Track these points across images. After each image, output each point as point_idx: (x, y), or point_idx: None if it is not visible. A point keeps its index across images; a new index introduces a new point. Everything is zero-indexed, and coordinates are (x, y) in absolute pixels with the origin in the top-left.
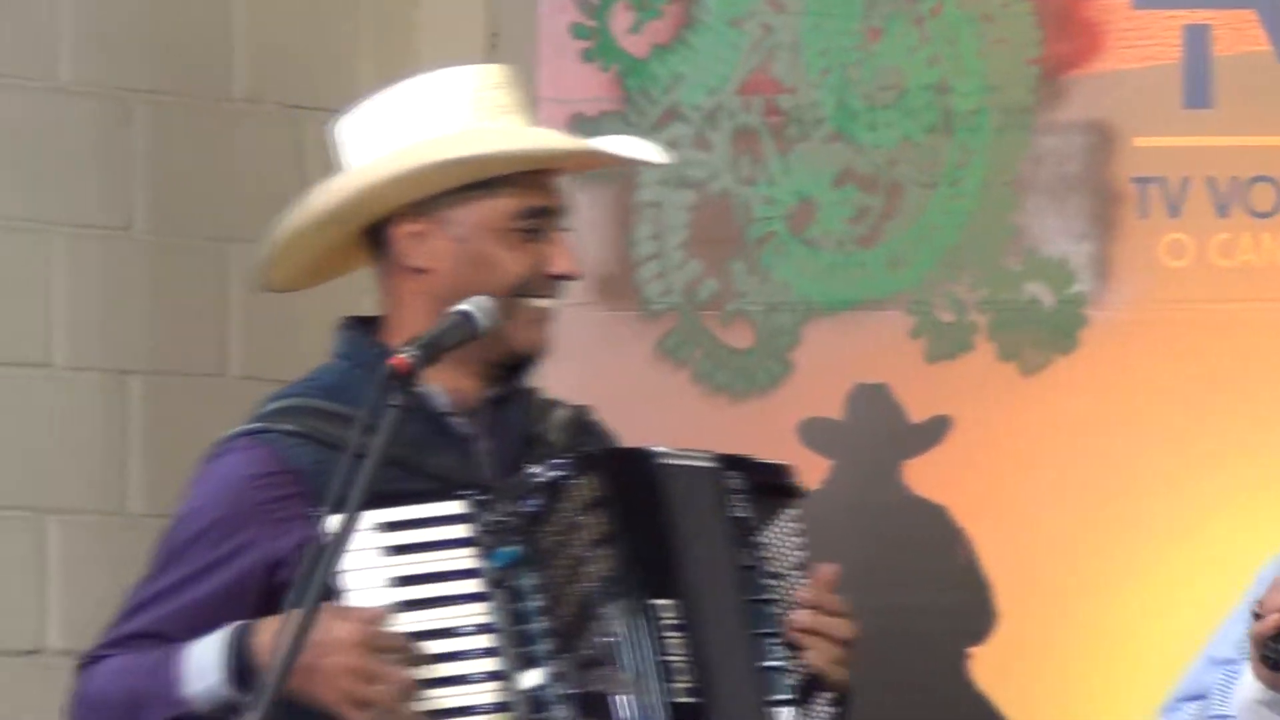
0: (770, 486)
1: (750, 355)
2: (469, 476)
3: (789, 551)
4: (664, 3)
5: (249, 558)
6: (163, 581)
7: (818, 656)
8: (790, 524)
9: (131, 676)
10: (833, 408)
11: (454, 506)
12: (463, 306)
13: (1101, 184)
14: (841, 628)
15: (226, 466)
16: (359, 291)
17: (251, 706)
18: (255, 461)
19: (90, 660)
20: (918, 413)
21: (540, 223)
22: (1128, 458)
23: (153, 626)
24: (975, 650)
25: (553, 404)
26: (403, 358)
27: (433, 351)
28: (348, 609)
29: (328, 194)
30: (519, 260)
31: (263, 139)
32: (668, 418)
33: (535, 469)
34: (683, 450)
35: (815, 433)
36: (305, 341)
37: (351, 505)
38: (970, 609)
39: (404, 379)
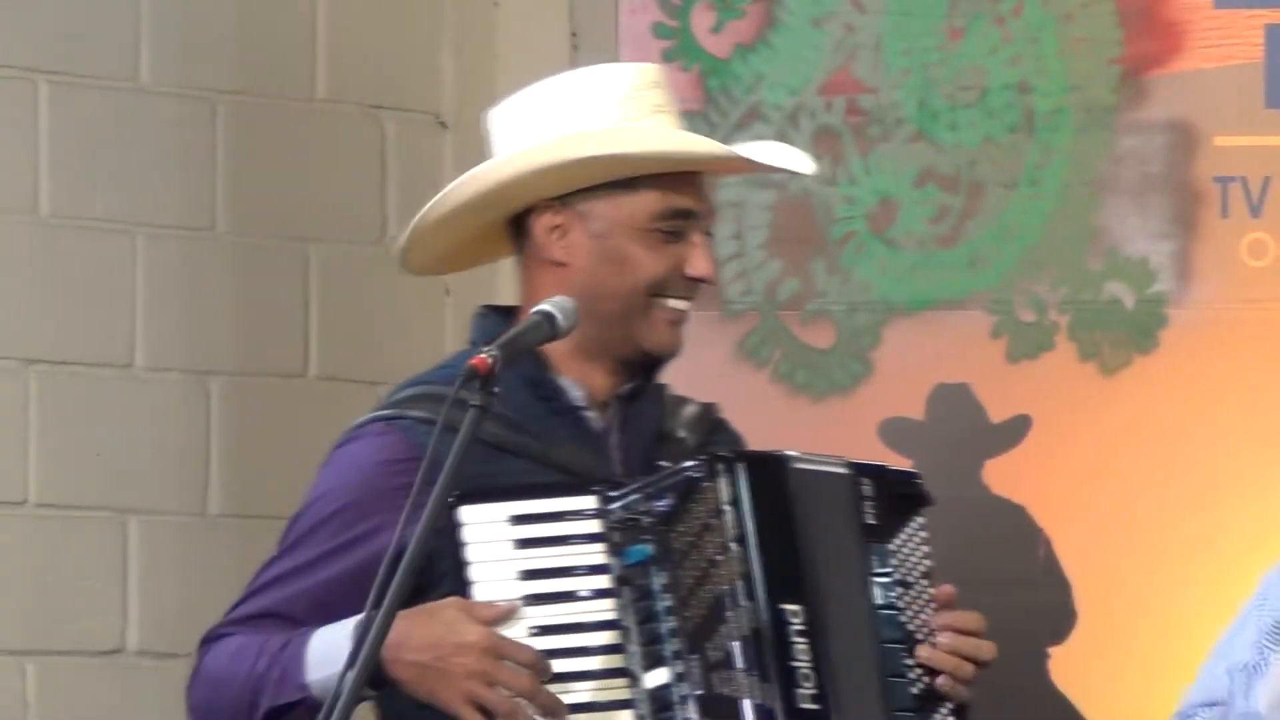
0: (900, 494)
1: (831, 355)
2: (601, 472)
3: (917, 560)
4: (746, 3)
5: (377, 543)
6: (289, 563)
7: (947, 671)
8: (919, 532)
9: (254, 657)
10: (913, 408)
11: (586, 501)
12: (544, 307)
13: (1182, 183)
14: (978, 648)
15: (357, 451)
16: (439, 293)
17: (334, 699)
18: (386, 447)
19: (212, 637)
20: (998, 412)
21: (681, 225)
22: (1208, 457)
23: (276, 607)
24: (1055, 650)
25: (682, 400)
26: (482, 357)
27: (512, 351)
28: (475, 608)
29: (473, 180)
30: (657, 261)
31: (344, 139)
32: (748, 418)
33: (669, 468)
34: (815, 455)
35: (896, 433)
36: (386, 342)
37: (435, 506)
38: (1050, 609)
39: (484, 378)
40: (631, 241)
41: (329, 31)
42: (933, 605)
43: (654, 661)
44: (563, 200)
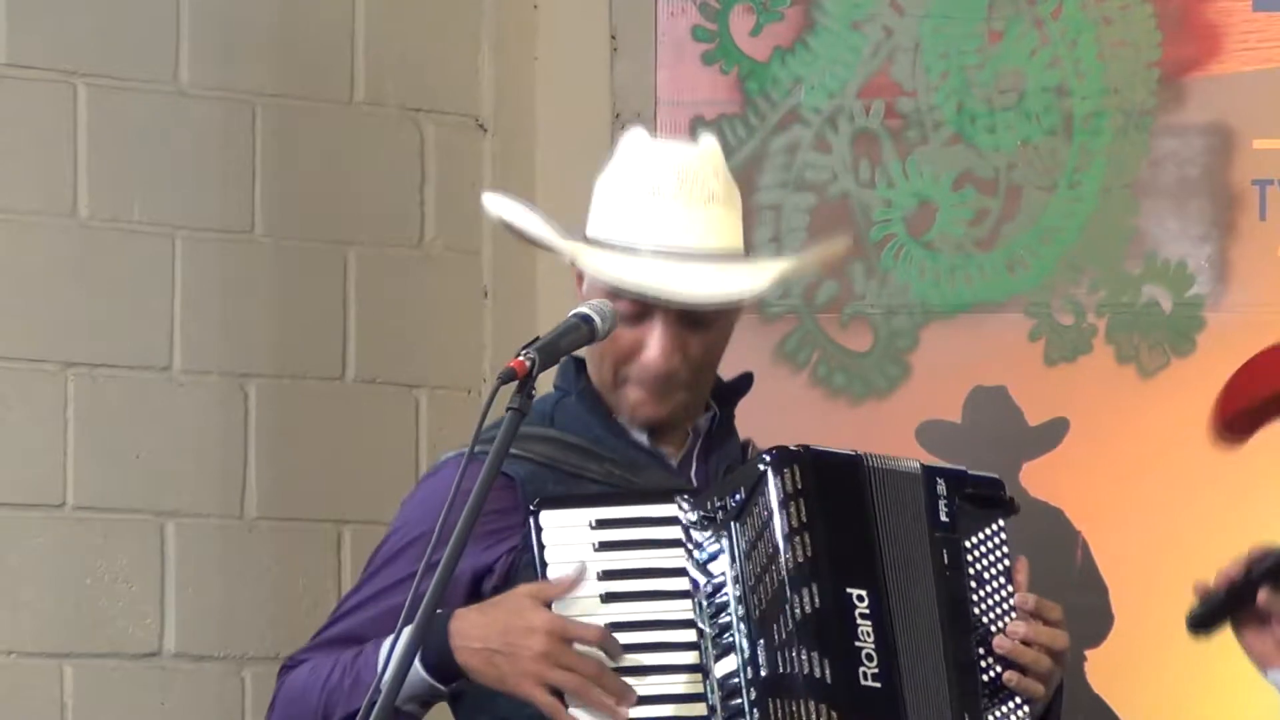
0: (979, 498)
1: (869, 358)
2: (678, 487)
3: (994, 560)
4: (784, 5)
5: (457, 566)
6: (370, 589)
7: (1025, 662)
8: (998, 534)
9: (328, 671)
10: (951, 410)
11: (666, 509)
12: (582, 309)
13: (1221, 186)
14: (1055, 638)
15: (440, 481)
16: (478, 295)
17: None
18: (469, 477)
19: (291, 664)
20: (1035, 415)
21: (640, 309)
22: (1246, 460)
23: (354, 631)
24: (1092, 653)
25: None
26: (520, 360)
27: (550, 354)
28: (542, 589)
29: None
30: (613, 340)
31: (383, 142)
32: (786, 420)
33: (743, 466)
34: (890, 456)
35: (933, 435)
36: (424, 345)
37: (471, 514)
38: (1087, 612)
39: (521, 381)
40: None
41: (368, 34)
42: (1010, 603)
43: (724, 652)
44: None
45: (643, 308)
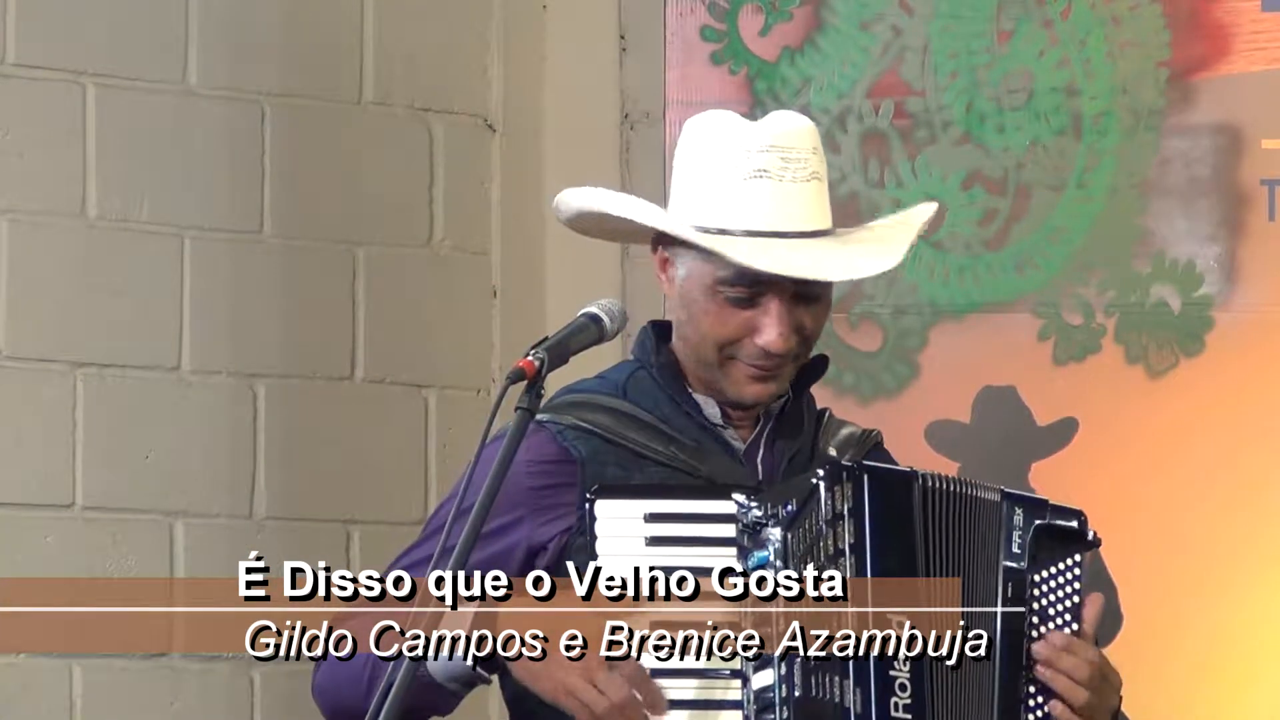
0: (1057, 530)
1: (878, 358)
2: (740, 481)
3: (1062, 596)
4: (793, 5)
5: (512, 537)
6: (424, 551)
7: (1059, 691)
8: (1072, 569)
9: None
10: (960, 410)
11: (721, 505)
12: (590, 309)
13: (1230, 186)
14: (1077, 668)
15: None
16: (487, 295)
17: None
18: (532, 448)
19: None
20: (1044, 415)
21: (749, 292)
22: (1254, 460)
23: None
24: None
25: (841, 424)
26: (529, 360)
27: (560, 354)
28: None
29: (562, 202)
30: (721, 323)
31: (392, 141)
32: None
33: (800, 476)
34: (970, 480)
35: (942, 435)
36: (433, 344)
37: (480, 508)
38: None
39: (531, 381)
40: (700, 297)
41: (377, 34)
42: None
43: (764, 663)
44: (663, 240)
45: (755, 291)
